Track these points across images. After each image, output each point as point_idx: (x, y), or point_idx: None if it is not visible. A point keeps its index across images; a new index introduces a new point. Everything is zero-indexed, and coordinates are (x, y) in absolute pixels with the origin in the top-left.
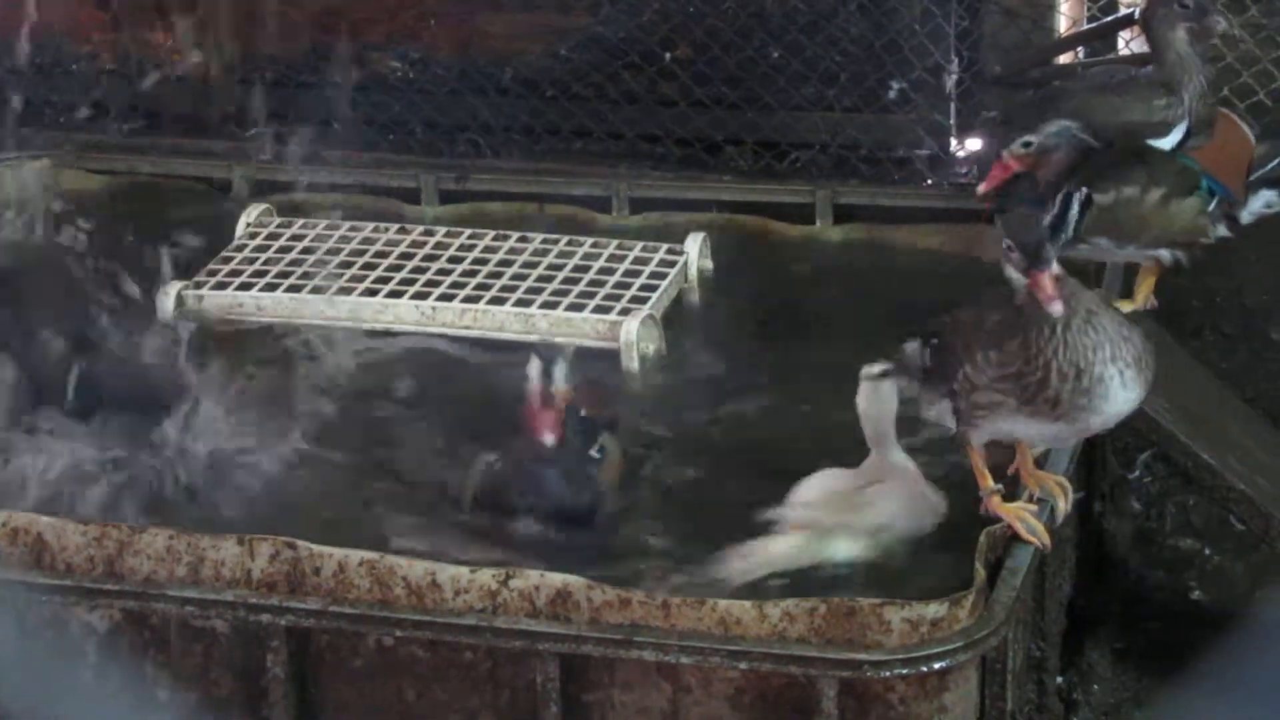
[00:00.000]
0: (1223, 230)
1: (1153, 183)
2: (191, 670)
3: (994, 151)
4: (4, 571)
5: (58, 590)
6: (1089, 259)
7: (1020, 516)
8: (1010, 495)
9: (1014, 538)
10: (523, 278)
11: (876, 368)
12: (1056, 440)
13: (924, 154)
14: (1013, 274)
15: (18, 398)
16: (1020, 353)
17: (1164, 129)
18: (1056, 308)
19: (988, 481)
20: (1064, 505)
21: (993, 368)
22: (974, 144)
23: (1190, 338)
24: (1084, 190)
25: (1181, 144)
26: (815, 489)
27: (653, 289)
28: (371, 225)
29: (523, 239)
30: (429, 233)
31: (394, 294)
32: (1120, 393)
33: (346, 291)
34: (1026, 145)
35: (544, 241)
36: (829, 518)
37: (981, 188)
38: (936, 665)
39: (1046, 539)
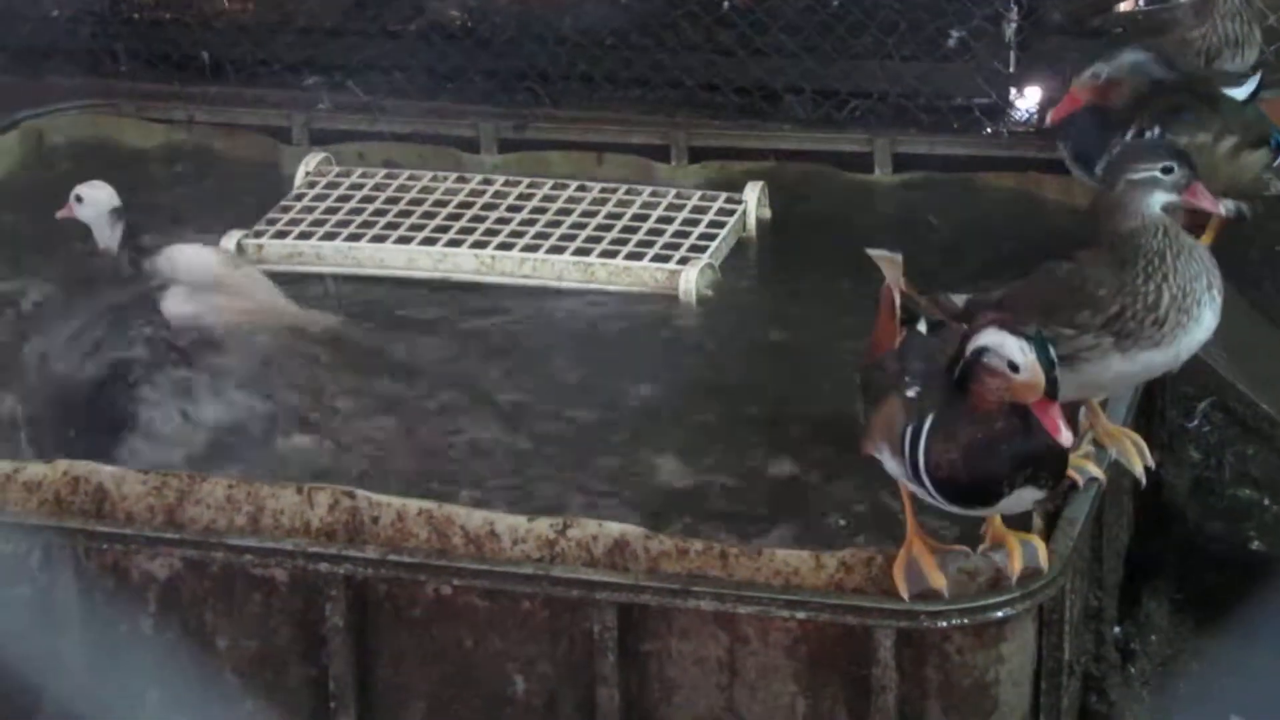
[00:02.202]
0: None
1: (1226, 131)
2: (250, 619)
3: (1062, 90)
4: (65, 520)
5: (118, 539)
6: None
7: (1079, 466)
8: None
9: (1071, 487)
10: (581, 226)
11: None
12: (1130, 380)
13: (983, 102)
14: (1159, 197)
15: None
16: (1117, 292)
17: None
18: (1223, 207)
19: None
20: (1139, 465)
21: (1099, 315)
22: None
23: (1250, 288)
24: (1157, 130)
25: (1254, 95)
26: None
27: (711, 238)
28: (430, 174)
29: (581, 188)
30: (487, 181)
31: (453, 243)
32: (1209, 317)
33: (405, 240)
34: (1095, 76)
35: (602, 190)
36: None
37: (1051, 117)
38: (994, 615)
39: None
